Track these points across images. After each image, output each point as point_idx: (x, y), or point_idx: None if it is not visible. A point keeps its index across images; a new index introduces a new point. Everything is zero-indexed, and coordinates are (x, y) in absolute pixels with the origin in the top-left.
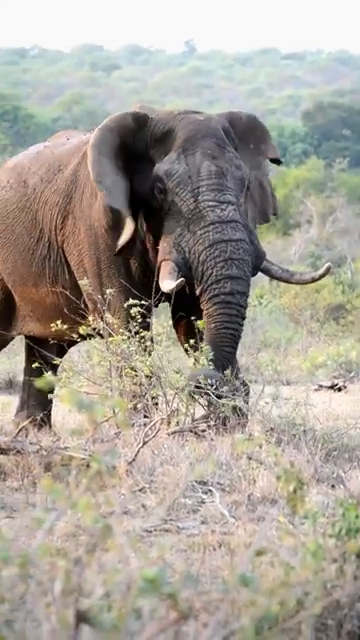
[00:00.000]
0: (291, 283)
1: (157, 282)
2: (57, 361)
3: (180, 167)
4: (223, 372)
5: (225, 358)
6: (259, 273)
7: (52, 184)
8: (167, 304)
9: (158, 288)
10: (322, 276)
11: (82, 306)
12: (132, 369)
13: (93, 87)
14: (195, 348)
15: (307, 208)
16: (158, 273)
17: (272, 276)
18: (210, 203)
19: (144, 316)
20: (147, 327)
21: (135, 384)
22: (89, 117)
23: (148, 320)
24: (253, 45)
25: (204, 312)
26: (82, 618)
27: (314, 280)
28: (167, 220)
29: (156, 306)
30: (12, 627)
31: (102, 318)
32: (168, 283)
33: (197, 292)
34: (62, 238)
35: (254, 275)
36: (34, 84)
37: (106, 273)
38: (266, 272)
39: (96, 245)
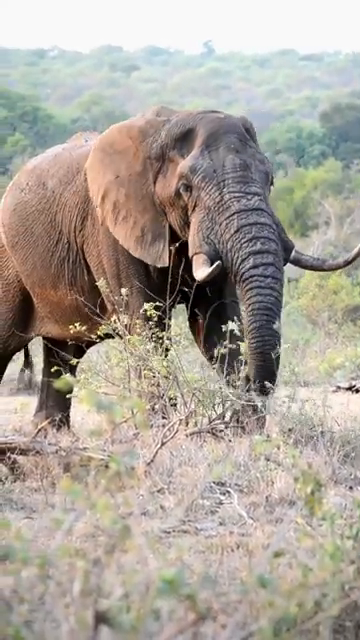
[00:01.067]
0: (324, 270)
1: (172, 283)
2: (75, 362)
3: (204, 162)
4: (269, 350)
5: (265, 335)
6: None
7: (71, 186)
8: (184, 306)
9: (175, 289)
10: (355, 258)
11: (100, 307)
12: (149, 370)
13: (112, 88)
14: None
15: (325, 209)
16: (177, 271)
17: (303, 266)
18: (236, 194)
19: (161, 317)
20: (165, 328)
21: (152, 385)
22: (108, 118)
23: (165, 321)
24: (271, 46)
25: (242, 300)
26: (101, 619)
27: (347, 263)
28: (194, 216)
29: (173, 307)
30: (31, 628)
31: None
32: (202, 270)
33: (234, 281)
34: (82, 239)
35: (283, 265)
36: (53, 85)
37: (125, 274)
38: (297, 263)
39: (115, 246)
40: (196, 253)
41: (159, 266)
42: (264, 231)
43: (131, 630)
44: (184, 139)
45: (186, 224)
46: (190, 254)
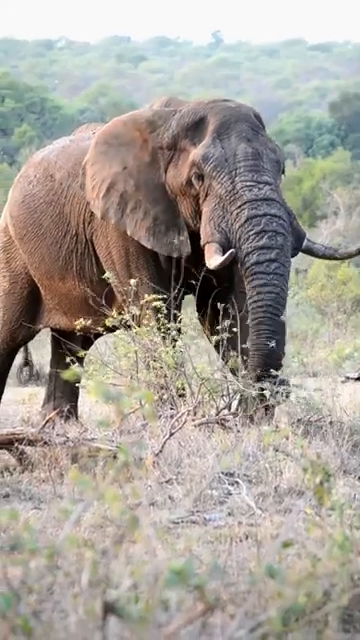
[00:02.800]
0: (336, 259)
1: (177, 273)
2: (82, 353)
3: (216, 150)
4: (270, 343)
5: (266, 331)
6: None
7: (79, 178)
8: (191, 298)
9: (185, 280)
10: None
11: (109, 298)
12: (155, 360)
13: (120, 79)
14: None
15: (334, 200)
16: (189, 260)
17: (316, 255)
18: (247, 183)
19: (170, 308)
20: (174, 319)
21: (159, 376)
22: (115, 109)
23: (175, 312)
24: (280, 36)
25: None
26: (109, 609)
27: None
28: (206, 205)
29: (182, 298)
30: (40, 618)
31: (129, 309)
32: (215, 259)
33: (240, 273)
34: (90, 231)
35: (295, 255)
36: (61, 76)
37: (135, 265)
38: (309, 252)
39: (125, 236)
40: (208, 242)
41: (175, 256)
42: (272, 224)
43: (140, 620)
44: (195, 128)
45: (197, 213)
46: (202, 243)
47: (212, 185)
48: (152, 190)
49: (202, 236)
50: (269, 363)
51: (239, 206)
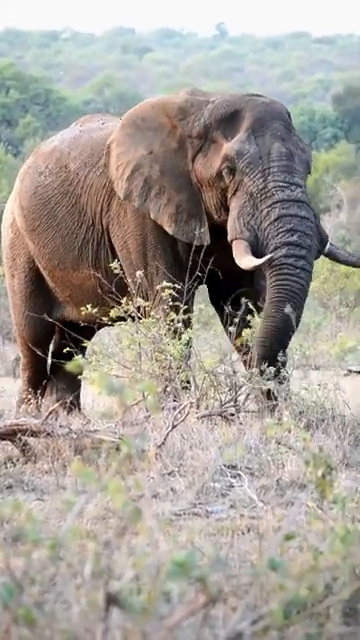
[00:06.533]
0: (358, 267)
1: (193, 264)
2: (87, 344)
3: (251, 147)
4: (283, 332)
5: (282, 317)
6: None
7: (97, 167)
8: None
9: (199, 270)
10: None
11: (121, 288)
12: (160, 352)
13: (124, 70)
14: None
15: (337, 193)
16: (209, 253)
17: (339, 260)
18: (280, 184)
19: (184, 299)
20: (185, 310)
21: (163, 368)
22: (120, 100)
23: (180, 304)
24: (284, 29)
25: (268, 285)
26: (112, 601)
27: None
28: (235, 200)
29: (196, 288)
30: (42, 609)
31: (144, 298)
32: (250, 260)
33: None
34: (107, 220)
35: (317, 258)
36: (66, 67)
37: (152, 253)
38: (332, 256)
39: (143, 225)
40: (236, 238)
41: (196, 244)
42: (302, 225)
43: (142, 612)
44: (229, 120)
45: (222, 206)
46: (229, 238)
47: (243, 181)
48: (177, 177)
49: (229, 231)
50: (282, 340)
51: (270, 205)
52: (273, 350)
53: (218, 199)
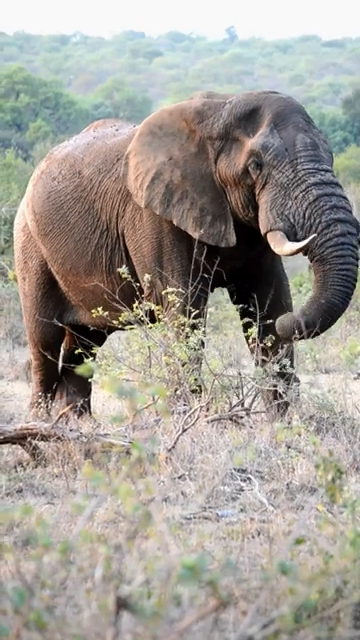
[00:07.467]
0: None
1: (211, 267)
2: (96, 349)
3: (275, 140)
4: (330, 314)
5: (336, 299)
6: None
7: (111, 173)
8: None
9: (215, 273)
10: None
11: (135, 294)
12: (170, 356)
13: (134, 74)
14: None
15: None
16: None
17: None
18: (310, 170)
19: (199, 301)
20: (199, 314)
21: (173, 372)
22: (130, 104)
23: (203, 307)
24: (294, 32)
25: (314, 268)
26: (122, 604)
27: None
28: (264, 194)
29: (212, 291)
30: (53, 613)
31: (158, 302)
32: (290, 245)
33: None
34: (122, 225)
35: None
36: (75, 71)
37: (167, 256)
38: None
39: (160, 228)
40: (271, 230)
41: (222, 246)
42: (342, 201)
43: (152, 616)
44: (249, 118)
45: (250, 203)
46: (263, 231)
47: (272, 174)
48: (199, 181)
49: (262, 224)
50: (327, 320)
51: (305, 189)
52: (324, 326)
53: (245, 196)
